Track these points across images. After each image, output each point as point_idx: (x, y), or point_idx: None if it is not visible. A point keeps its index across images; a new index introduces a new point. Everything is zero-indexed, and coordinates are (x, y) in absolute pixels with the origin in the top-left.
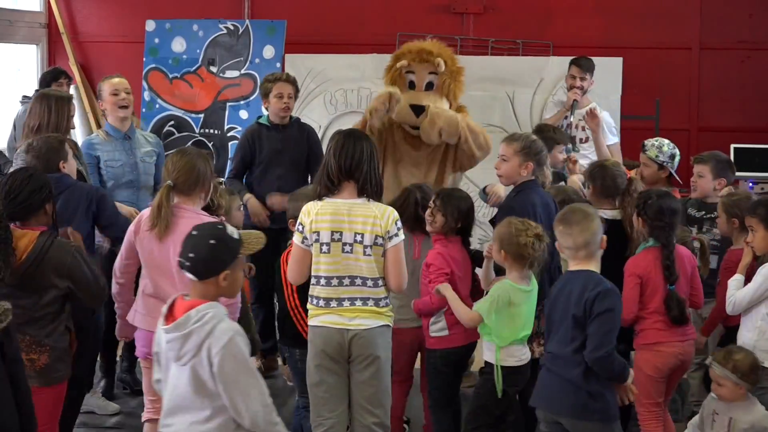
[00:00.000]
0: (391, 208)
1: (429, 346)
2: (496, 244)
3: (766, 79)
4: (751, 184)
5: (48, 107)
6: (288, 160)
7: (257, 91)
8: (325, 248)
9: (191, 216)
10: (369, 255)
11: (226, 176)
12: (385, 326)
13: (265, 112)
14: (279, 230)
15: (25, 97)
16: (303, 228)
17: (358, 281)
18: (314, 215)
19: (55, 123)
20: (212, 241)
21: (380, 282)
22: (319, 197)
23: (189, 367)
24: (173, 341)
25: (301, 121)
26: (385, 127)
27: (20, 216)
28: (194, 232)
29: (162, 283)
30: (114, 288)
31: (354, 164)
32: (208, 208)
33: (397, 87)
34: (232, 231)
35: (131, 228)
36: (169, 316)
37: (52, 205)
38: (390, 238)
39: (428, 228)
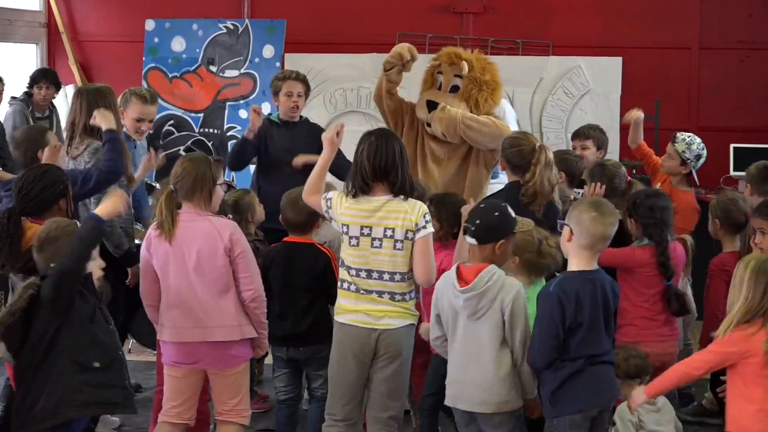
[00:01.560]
0: (420, 202)
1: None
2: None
3: (765, 78)
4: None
5: (103, 104)
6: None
7: (257, 90)
8: (354, 242)
9: (200, 219)
10: (400, 249)
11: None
12: (411, 325)
13: (273, 111)
14: (272, 230)
15: (12, 98)
16: (330, 204)
17: (386, 276)
18: (344, 208)
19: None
20: (497, 213)
21: (408, 276)
22: (354, 196)
23: (484, 320)
24: (470, 299)
25: (310, 121)
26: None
27: (33, 211)
28: (482, 205)
29: (184, 288)
30: (149, 313)
31: (388, 166)
32: None
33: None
34: (512, 211)
35: (144, 247)
36: (460, 280)
37: (66, 201)
38: (418, 230)
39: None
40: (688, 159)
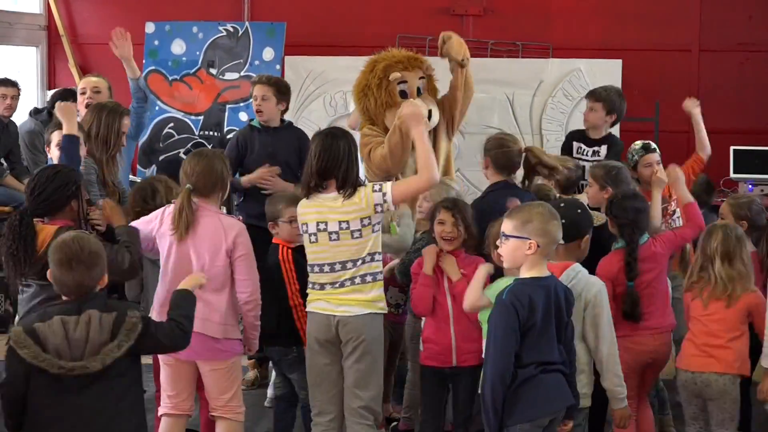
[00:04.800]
0: (366, 187)
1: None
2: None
3: (765, 81)
4: (750, 186)
5: (99, 118)
6: (280, 163)
7: None
8: (313, 238)
9: (211, 216)
10: (359, 237)
11: None
12: (373, 314)
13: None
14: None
15: (37, 111)
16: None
17: (349, 264)
18: (302, 208)
19: (104, 135)
20: (579, 210)
21: (376, 257)
22: (306, 196)
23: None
24: None
25: (294, 125)
26: None
27: (45, 212)
28: (562, 204)
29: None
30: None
31: (333, 164)
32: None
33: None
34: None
35: (154, 219)
36: None
37: (77, 202)
38: (384, 201)
39: (447, 246)
40: None
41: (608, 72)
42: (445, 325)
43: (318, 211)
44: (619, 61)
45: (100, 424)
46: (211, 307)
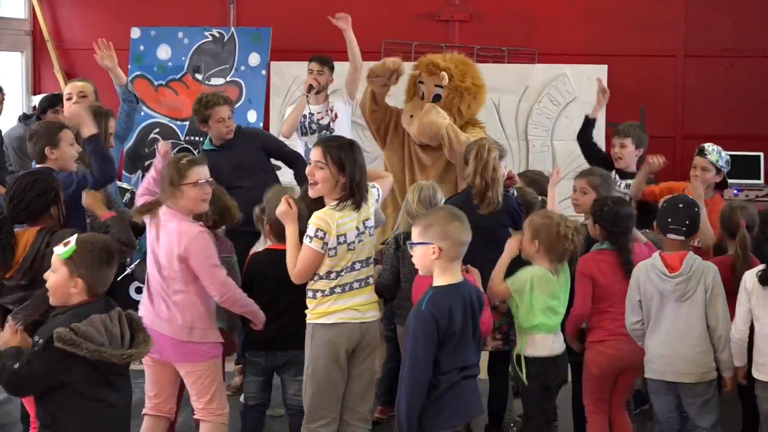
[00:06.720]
0: (370, 189)
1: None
2: (529, 234)
3: (750, 86)
4: (735, 191)
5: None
6: (250, 170)
7: (243, 98)
8: (351, 246)
9: (174, 221)
10: (372, 234)
11: None
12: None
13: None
14: (250, 233)
15: (25, 116)
16: (324, 234)
17: (363, 263)
18: (338, 220)
19: None
20: (696, 209)
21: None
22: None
23: (690, 301)
24: (680, 283)
25: (241, 128)
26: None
27: (26, 219)
28: (681, 204)
29: (154, 279)
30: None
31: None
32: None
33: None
34: None
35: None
36: (668, 266)
37: (57, 208)
38: (379, 194)
39: None
40: (722, 167)
41: (594, 77)
42: None
43: (356, 219)
44: (605, 67)
45: (127, 414)
46: (175, 310)
